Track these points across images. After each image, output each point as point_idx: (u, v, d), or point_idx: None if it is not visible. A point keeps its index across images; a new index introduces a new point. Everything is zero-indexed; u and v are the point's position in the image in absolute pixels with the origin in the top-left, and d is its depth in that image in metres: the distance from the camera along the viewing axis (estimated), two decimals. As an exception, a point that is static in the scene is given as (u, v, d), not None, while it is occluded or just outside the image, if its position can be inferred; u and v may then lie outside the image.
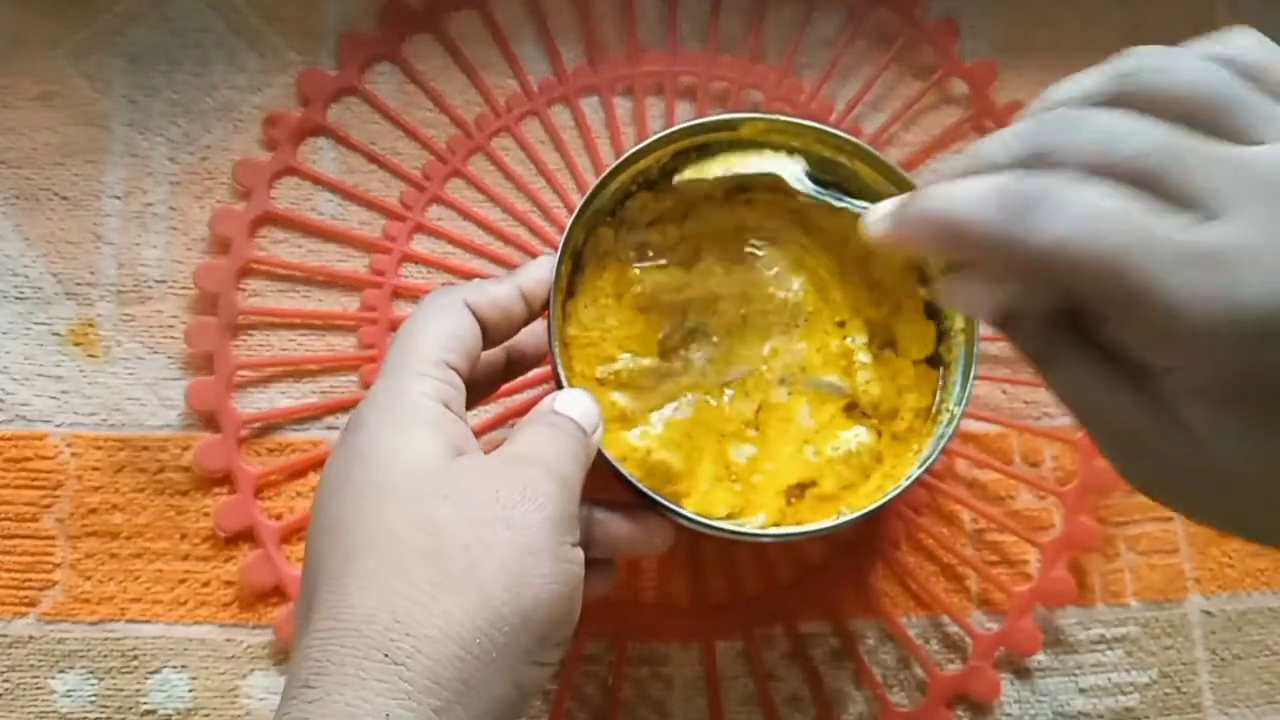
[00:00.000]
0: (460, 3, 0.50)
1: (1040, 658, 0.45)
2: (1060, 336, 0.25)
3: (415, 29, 0.50)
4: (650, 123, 0.50)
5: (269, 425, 0.46)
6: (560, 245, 0.37)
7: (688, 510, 0.36)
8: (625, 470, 0.35)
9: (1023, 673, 0.45)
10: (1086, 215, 0.22)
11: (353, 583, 0.28)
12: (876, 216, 0.27)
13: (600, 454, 0.35)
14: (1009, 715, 0.45)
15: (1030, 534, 0.46)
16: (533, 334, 0.39)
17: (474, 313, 0.34)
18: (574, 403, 0.34)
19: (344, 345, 0.47)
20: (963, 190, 0.24)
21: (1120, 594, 0.46)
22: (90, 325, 0.47)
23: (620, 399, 0.39)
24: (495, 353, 0.38)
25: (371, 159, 0.49)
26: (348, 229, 0.48)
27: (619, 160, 0.38)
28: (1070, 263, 0.22)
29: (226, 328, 0.46)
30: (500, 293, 0.35)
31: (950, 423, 0.38)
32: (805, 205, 0.40)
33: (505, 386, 0.41)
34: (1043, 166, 0.23)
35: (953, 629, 0.45)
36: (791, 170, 0.38)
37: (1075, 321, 0.25)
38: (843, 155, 0.40)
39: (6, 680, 0.43)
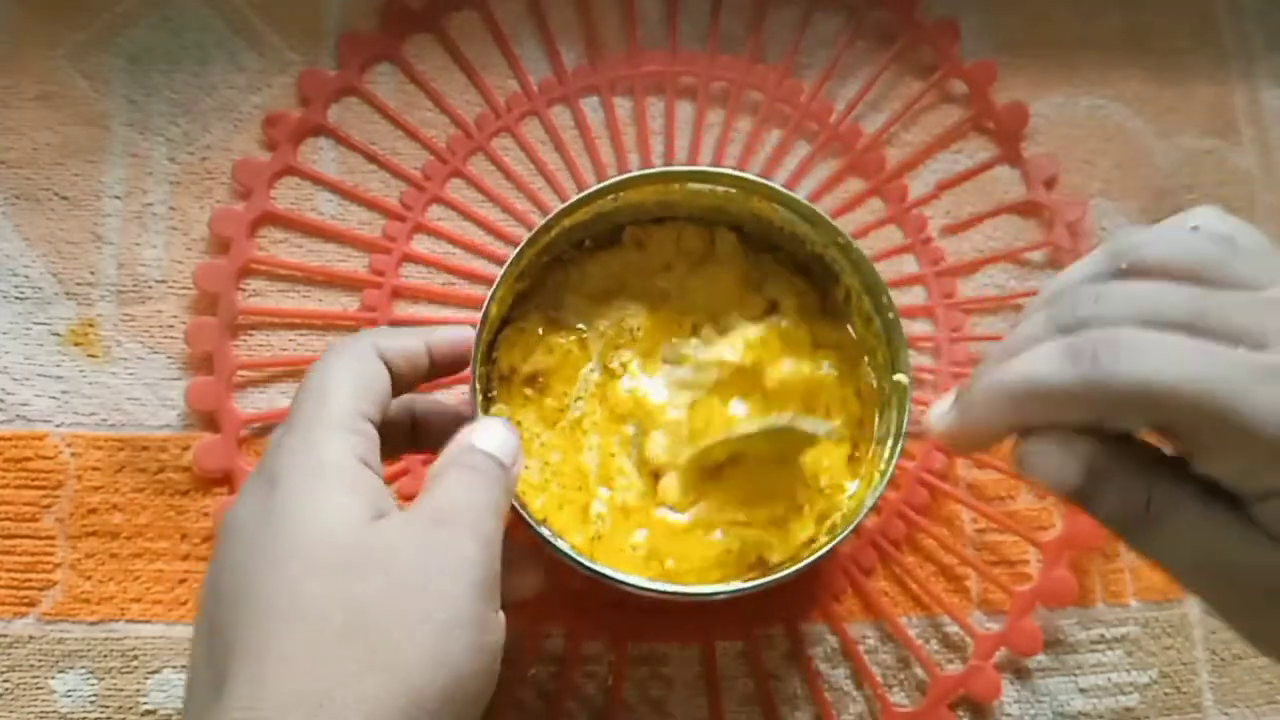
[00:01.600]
0: (460, 2, 0.50)
1: (1040, 658, 0.45)
2: (1160, 480, 0.25)
3: (415, 29, 0.50)
4: (650, 122, 0.50)
5: (269, 425, 0.46)
6: (499, 276, 0.38)
7: (583, 558, 0.36)
8: (525, 510, 0.36)
9: (1023, 673, 0.45)
10: (1160, 350, 0.23)
11: (270, 664, 0.27)
12: (938, 414, 0.28)
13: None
14: (1009, 715, 0.45)
15: (1030, 534, 0.46)
16: (440, 411, 0.38)
17: (385, 359, 0.34)
18: (491, 436, 0.33)
19: (344, 345, 0.47)
20: (1027, 358, 0.25)
21: (1120, 594, 0.46)
22: (90, 325, 0.47)
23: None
24: (402, 415, 0.38)
25: (371, 159, 0.49)
26: (348, 229, 0.48)
27: (579, 195, 0.39)
28: (1156, 396, 0.23)
29: (226, 328, 0.46)
30: (408, 345, 0.35)
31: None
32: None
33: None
34: (1083, 329, 0.24)
35: (953, 629, 0.45)
36: (815, 426, 0.38)
37: (1162, 467, 0.25)
38: (775, 206, 0.41)
39: (6, 680, 0.43)
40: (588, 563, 0.36)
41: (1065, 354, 0.24)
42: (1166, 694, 0.45)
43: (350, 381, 0.32)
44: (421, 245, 0.48)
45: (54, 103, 0.48)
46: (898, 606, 0.45)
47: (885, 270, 0.40)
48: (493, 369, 0.41)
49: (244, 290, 0.47)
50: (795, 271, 0.43)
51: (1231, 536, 0.24)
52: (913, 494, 0.46)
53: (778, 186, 0.40)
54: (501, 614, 0.30)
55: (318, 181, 0.48)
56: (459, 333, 0.36)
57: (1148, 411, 0.24)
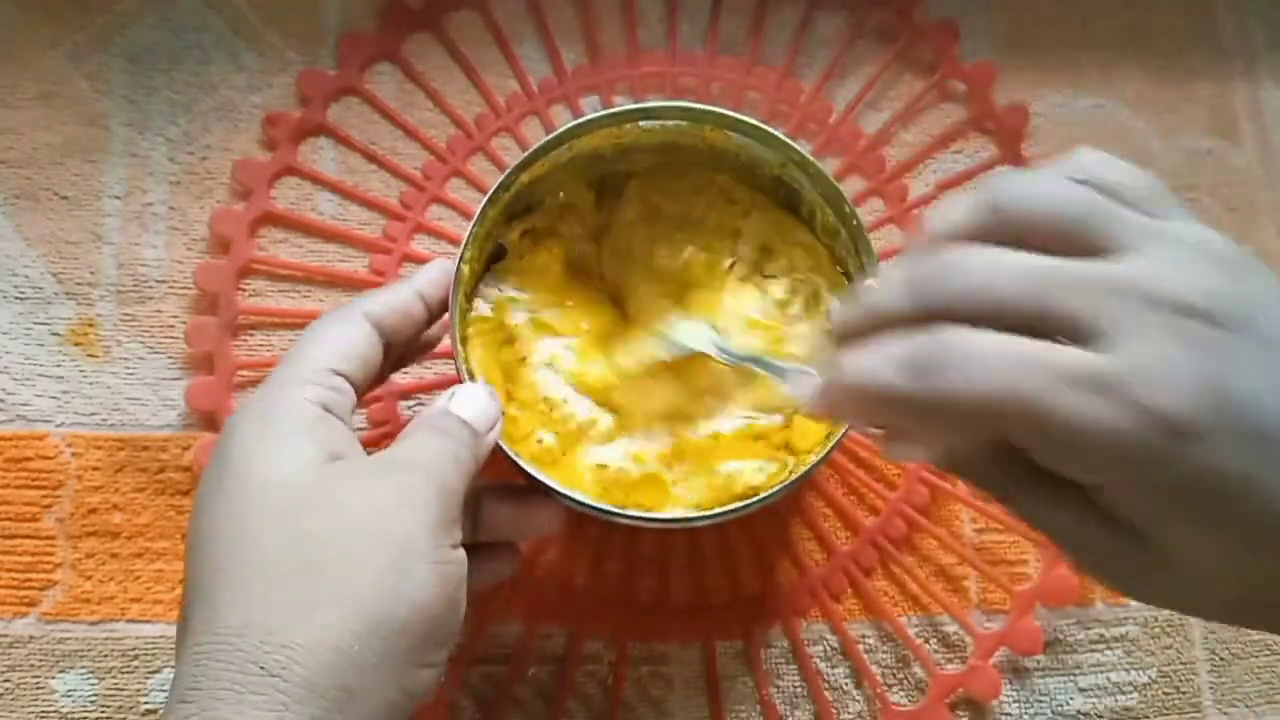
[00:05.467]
0: (460, 2, 0.50)
1: (1039, 657, 0.45)
2: (1001, 471, 0.27)
3: (415, 29, 0.50)
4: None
5: (269, 425, 0.46)
6: (465, 238, 0.38)
7: (574, 492, 0.36)
8: (514, 453, 0.36)
9: (1022, 672, 0.45)
10: (986, 361, 0.24)
11: (223, 597, 0.28)
12: (806, 394, 0.28)
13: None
14: (1008, 715, 0.45)
15: (1030, 533, 0.46)
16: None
17: (374, 321, 0.34)
18: (469, 402, 0.34)
19: (344, 345, 0.47)
20: (867, 362, 0.25)
21: (1120, 594, 0.46)
22: (90, 325, 0.47)
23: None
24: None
25: (371, 159, 0.49)
26: (348, 229, 0.48)
27: (532, 149, 0.39)
28: (978, 411, 0.24)
29: (227, 327, 0.46)
30: (397, 297, 0.35)
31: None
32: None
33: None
34: (933, 319, 0.25)
35: (952, 628, 0.45)
36: (708, 341, 0.39)
37: (1016, 454, 0.26)
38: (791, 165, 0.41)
39: (7, 680, 0.43)
40: (579, 496, 0.36)
41: (900, 368, 0.25)
42: (1166, 694, 0.45)
43: (328, 343, 0.33)
44: (422, 245, 0.48)
45: (54, 103, 0.48)
46: (897, 606, 0.45)
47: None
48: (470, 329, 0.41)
49: (244, 290, 0.47)
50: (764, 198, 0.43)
51: (1077, 519, 0.26)
52: (912, 493, 0.46)
53: (725, 111, 0.39)
54: (461, 550, 0.31)
55: (318, 181, 0.48)
56: (440, 269, 0.37)
57: (978, 423, 0.24)
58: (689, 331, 0.40)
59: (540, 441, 0.39)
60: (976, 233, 0.26)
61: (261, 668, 0.26)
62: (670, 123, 0.41)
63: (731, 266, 0.42)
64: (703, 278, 0.42)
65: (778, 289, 0.42)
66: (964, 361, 0.24)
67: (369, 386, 0.34)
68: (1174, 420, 0.23)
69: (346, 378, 0.33)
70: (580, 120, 0.40)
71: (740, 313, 0.41)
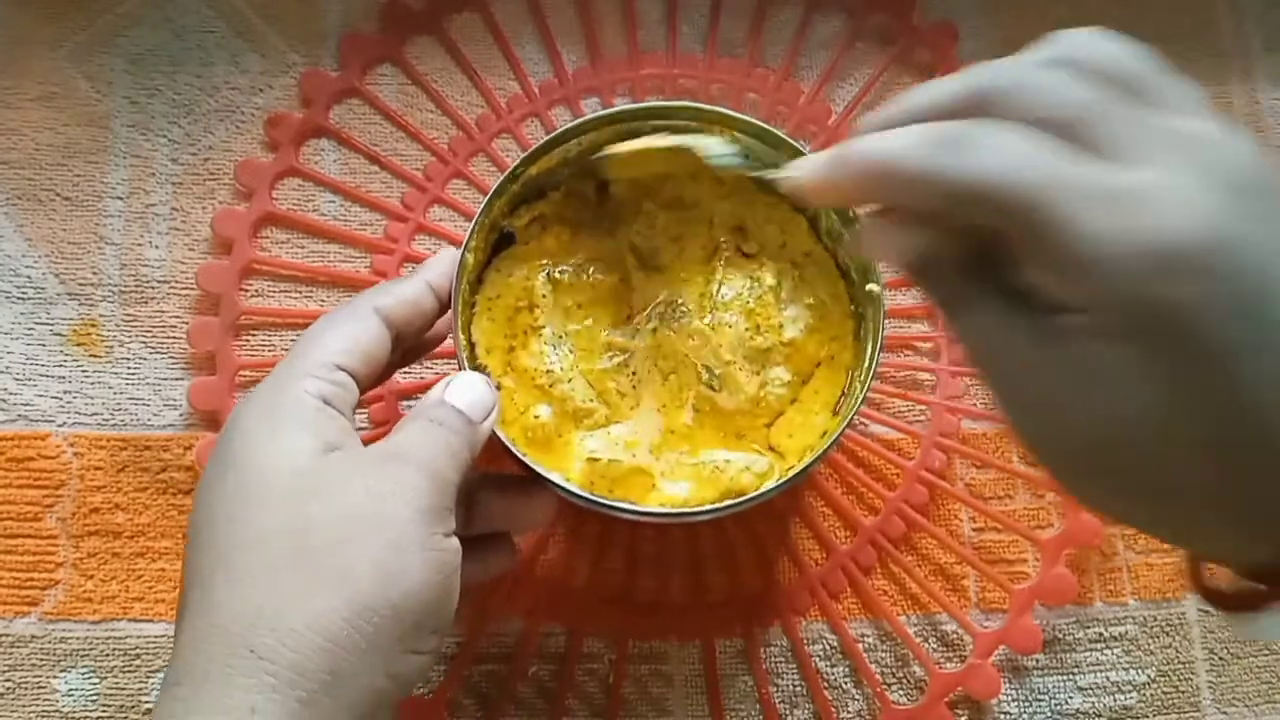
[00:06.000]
0: (461, 4, 0.50)
1: (1038, 656, 0.45)
2: (970, 281, 0.26)
3: (416, 30, 0.50)
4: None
5: (271, 425, 0.46)
6: (471, 227, 0.38)
7: (569, 484, 0.36)
8: (510, 441, 0.36)
9: (1021, 671, 0.45)
10: (1008, 152, 0.23)
11: (220, 582, 0.28)
12: (810, 164, 0.27)
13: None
14: (1008, 714, 0.45)
15: (1029, 532, 0.46)
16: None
17: (383, 316, 0.34)
18: (465, 391, 0.34)
19: (345, 345, 0.47)
20: (898, 134, 0.25)
21: (1118, 593, 0.46)
22: (93, 325, 0.47)
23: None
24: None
25: (373, 160, 0.49)
26: (349, 230, 0.48)
27: (543, 141, 0.39)
28: (990, 196, 0.23)
29: (229, 328, 0.46)
30: (407, 290, 0.35)
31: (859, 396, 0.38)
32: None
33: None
34: (976, 112, 0.25)
35: (951, 628, 0.45)
36: (712, 145, 0.38)
37: (985, 268, 0.26)
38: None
39: (9, 680, 0.43)
40: (575, 488, 0.36)
41: (927, 138, 0.25)
42: (1164, 693, 0.45)
43: (334, 338, 0.33)
44: (423, 246, 0.48)
45: (56, 103, 0.49)
46: (896, 605, 0.45)
47: (883, 270, 0.40)
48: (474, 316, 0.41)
49: (246, 291, 0.47)
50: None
51: (1025, 341, 0.25)
52: (911, 493, 0.46)
53: (735, 113, 0.39)
54: (454, 539, 0.31)
55: (319, 182, 0.49)
56: (449, 259, 0.37)
57: (980, 207, 0.24)
58: (693, 138, 0.39)
59: (537, 417, 0.39)
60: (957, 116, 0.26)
61: (251, 650, 0.27)
62: (681, 123, 0.41)
63: (716, 251, 0.42)
64: (690, 263, 0.43)
65: (768, 275, 0.42)
66: (991, 145, 0.24)
67: (375, 380, 0.34)
68: (1166, 250, 0.22)
69: (350, 373, 0.33)
70: (591, 116, 0.40)
71: (730, 297, 0.41)
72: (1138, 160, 0.23)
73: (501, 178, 0.39)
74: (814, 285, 0.42)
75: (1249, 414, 0.23)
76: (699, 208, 0.43)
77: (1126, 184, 0.23)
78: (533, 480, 0.36)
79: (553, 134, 0.39)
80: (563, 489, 0.36)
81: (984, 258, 0.26)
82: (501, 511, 0.37)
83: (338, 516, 0.29)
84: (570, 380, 0.40)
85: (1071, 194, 0.23)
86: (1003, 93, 0.25)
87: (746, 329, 0.41)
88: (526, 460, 0.36)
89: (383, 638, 0.28)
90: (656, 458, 0.40)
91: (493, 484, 0.37)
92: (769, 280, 0.41)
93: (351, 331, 0.34)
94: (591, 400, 0.40)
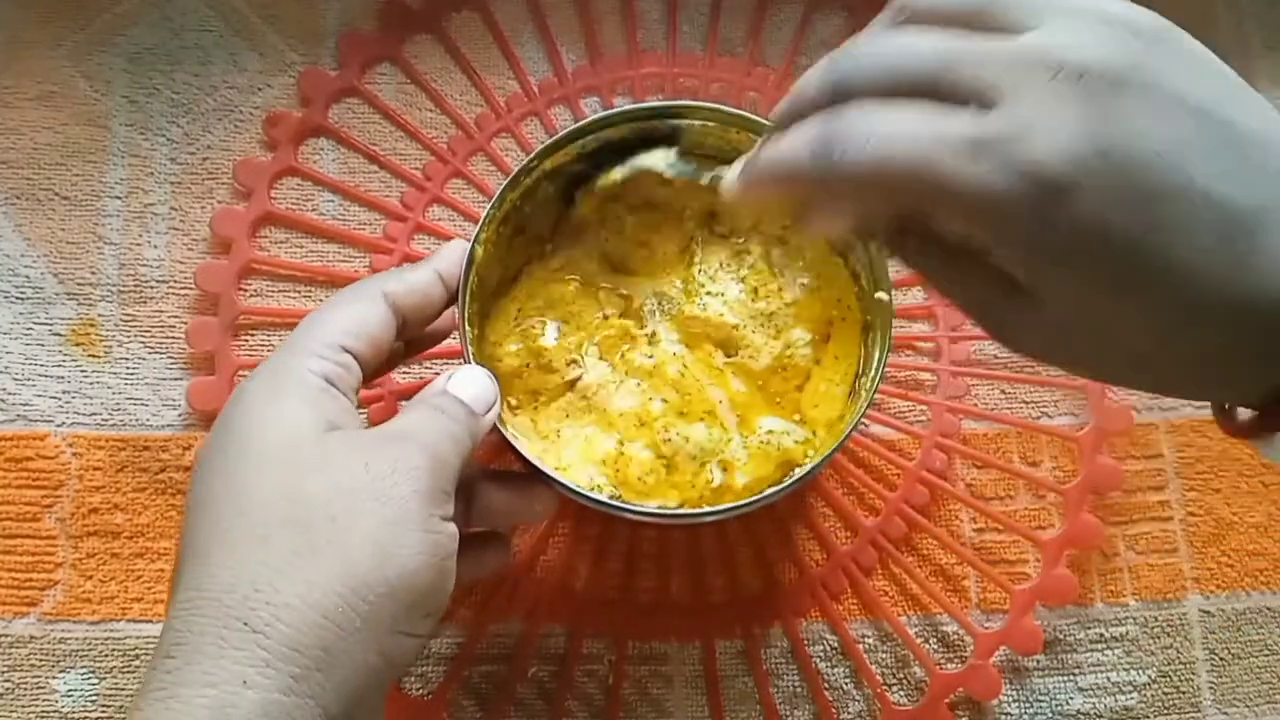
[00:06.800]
0: (460, 3, 0.50)
1: (1039, 657, 0.45)
2: (909, 239, 0.28)
3: (415, 29, 0.50)
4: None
5: (270, 425, 0.46)
6: (481, 220, 0.38)
7: (569, 480, 0.36)
8: (512, 435, 0.36)
9: (1022, 672, 0.45)
10: (877, 136, 0.25)
11: (215, 553, 0.28)
12: (729, 181, 0.30)
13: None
14: (1008, 715, 0.45)
15: (1030, 533, 0.46)
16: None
17: (391, 301, 0.34)
18: (468, 383, 0.34)
19: (345, 345, 0.47)
20: (783, 144, 0.27)
21: (1119, 594, 0.46)
22: (91, 325, 0.47)
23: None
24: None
25: (372, 159, 0.49)
26: (349, 229, 0.48)
27: (558, 135, 0.39)
28: (876, 181, 0.25)
29: (228, 328, 0.46)
30: (417, 278, 0.35)
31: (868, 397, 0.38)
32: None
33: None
34: (844, 98, 0.26)
35: (952, 628, 0.45)
36: (661, 159, 0.40)
37: (918, 220, 0.28)
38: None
39: (8, 680, 0.43)
40: (574, 485, 0.36)
41: (809, 147, 0.26)
42: (1165, 693, 0.45)
43: (340, 319, 0.33)
44: (423, 246, 0.48)
45: (55, 103, 0.49)
46: (897, 606, 0.45)
47: (893, 269, 0.40)
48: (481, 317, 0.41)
49: (245, 290, 0.47)
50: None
51: (980, 282, 0.27)
52: (912, 493, 0.46)
53: (753, 115, 0.39)
54: (452, 524, 0.31)
55: (318, 182, 0.48)
56: (460, 249, 0.37)
57: (879, 194, 0.26)
58: (647, 158, 0.40)
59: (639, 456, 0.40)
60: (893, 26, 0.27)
61: (245, 623, 0.27)
62: (698, 122, 0.41)
63: (690, 242, 0.43)
64: (665, 261, 0.43)
65: (754, 246, 0.42)
66: (861, 135, 0.25)
67: (378, 365, 0.34)
68: (1048, 177, 0.23)
69: (354, 354, 0.33)
70: (611, 111, 0.40)
71: (715, 272, 0.42)
72: (1000, 96, 0.24)
73: (516, 169, 0.39)
74: (802, 251, 0.42)
75: (1182, 289, 0.24)
76: (670, 205, 0.43)
77: (995, 128, 0.24)
78: (534, 476, 0.36)
79: (571, 128, 0.39)
80: (562, 484, 0.36)
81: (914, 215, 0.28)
82: (502, 506, 0.37)
83: (336, 490, 0.29)
84: (572, 358, 0.40)
85: (948, 154, 0.24)
86: (860, 70, 0.26)
87: (744, 293, 0.41)
88: (527, 455, 0.36)
89: (378, 617, 0.28)
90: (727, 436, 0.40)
91: (493, 479, 0.37)
92: (756, 250, 0.42)
93: (359, 313, 0.34)
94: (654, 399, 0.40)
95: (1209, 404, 0.30)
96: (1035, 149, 0.23)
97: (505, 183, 0.39)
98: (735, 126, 0.40)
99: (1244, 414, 0.29)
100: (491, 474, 0.37)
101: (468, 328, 0.37)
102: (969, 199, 0.24)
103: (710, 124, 0.40)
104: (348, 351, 0.33)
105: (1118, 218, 0.23)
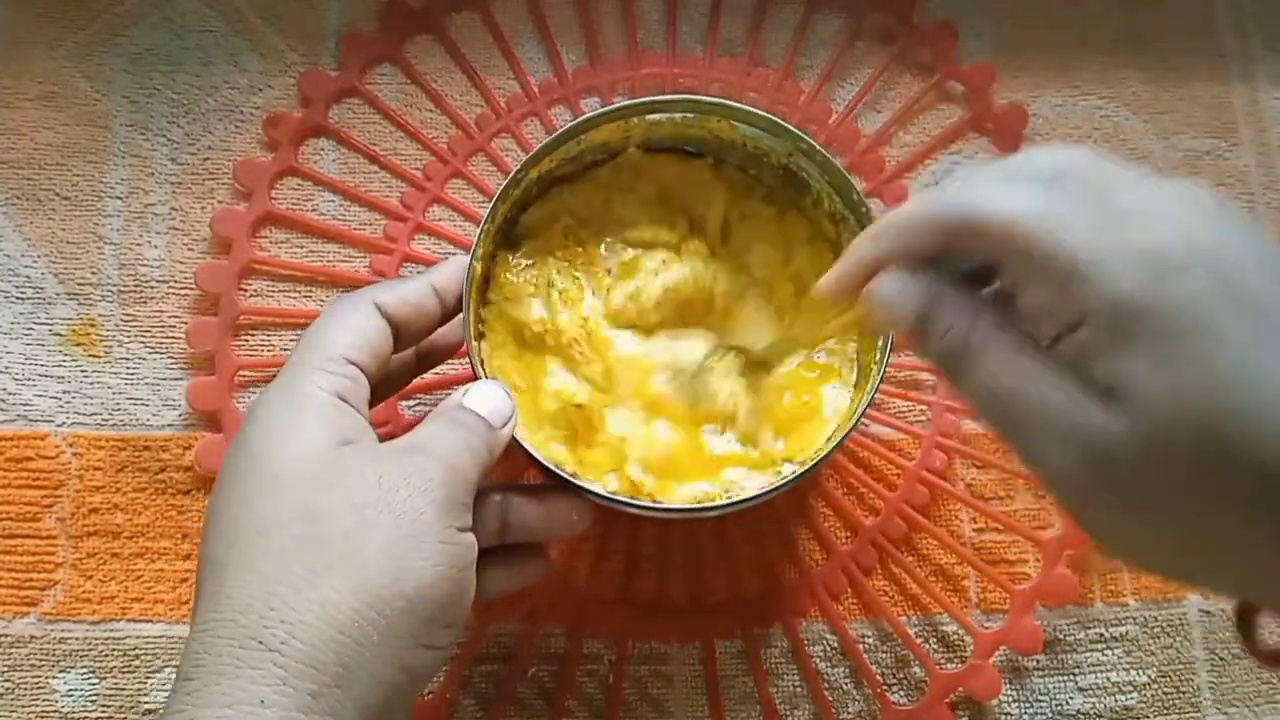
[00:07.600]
0: (461, 3, 0.50)
1: (1039, 657, 0.45)
2: (983, 316, 0.27)
3: (416, 30, 0.50)
4: (650, 124, 0.50)
5: (270, 425, 0.46)
6: (477, 235, 0.38)
7: (594, 485, 0.36)
8: (536, 451, 0.36)
9: (1022, 672, 0.45)
10: (993, 188, 0.26)
11: (231, 572, 0.28)
12: (824, 282, 0.31)
13: (514, 439, 0.35)
14: (1008, 714, 0.45)
15: (1030, 533, 0.46)
16: (443, 329, 0.39)
17: (384, 312, 0.34)
18: (484, 398, 0.34)
19: (345, 345, 0.47)
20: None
21: (1119, 593, 0.46)
22: (92, 325, 0.47)
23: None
24: (409, 367, 0.39)
25: (372, 159, 0.49)
26: (349, 229, 0.48)
27: (544, 143, 0.39)
28: (979, 221, 0.26)
29: (228, 328, 0.46)
30: (412, 290, 0.35)
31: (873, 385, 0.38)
32: None
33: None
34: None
35: (952, 628, 0.45)
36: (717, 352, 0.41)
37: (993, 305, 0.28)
38: (800, 155, 0.41)
39: (8, 680, 0.43)
40: (598, 489, 0.36)
41: (922, 194, 0.27)
42: (1165, 693, 0.45)
43: (340, 332, 0.33)
44: (422, 246, 0.48)
45: (55, 103, 0.49)
46: (897, 606, 0.45)
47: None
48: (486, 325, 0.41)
49: (245, 290, 0.47)
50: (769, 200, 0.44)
51: (1036, 374, 0.26)
52: (912, 493, 0.46)
53: (731, 102, 0.40)
54: (470, 535, 0.31)
55: (319, 182, 0.49)
56: (457, 264, 0.37)
57: (975, 237, 0.26)
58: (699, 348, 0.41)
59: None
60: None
61: (260, 642, 0.27)
62: (678, 115, 0.41)
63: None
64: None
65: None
66: (979, 187, 0.26)
67: (380, 376, 0.34)
68: (1165, 252, 0.24)
69: (360, 367, 0.33)
70: (589, 115, 0.40)
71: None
72: (1114, 202, 0.25)
73: (505, 181, 0.39)
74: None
75: (1244, 394, 0.23)
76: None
77: (1110, 208, 0.24)
78: (563, 487, 0.36)
79: (555, 134, 0.39)
80: (590, 492, 0.36)
81: (983, 300, 0.28)
82: (537, 519, 0.36)
83: (349, 505, 0.29)
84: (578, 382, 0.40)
85: (1060, 218, 0.25)
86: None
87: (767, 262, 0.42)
88: (552, 468, 0.36)
89: (396, 630, 0.28)
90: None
91: (525, 493, 0.36)
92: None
93: (357, 324, 0.34)
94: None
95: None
96: (1149, 230, 0.24)
97: (496, 196, 0.39)
98: (715, 115, 0.40)
99: (1275, 636, 0.29)
100: (522, 488, 0.36)
101: (475, 343, 0.37)
102: (1072, 256, 0.24)
103: (690, 115, 0.41)
104: (353, 364, 0.33)
105: (1209, 307, 0.23)
